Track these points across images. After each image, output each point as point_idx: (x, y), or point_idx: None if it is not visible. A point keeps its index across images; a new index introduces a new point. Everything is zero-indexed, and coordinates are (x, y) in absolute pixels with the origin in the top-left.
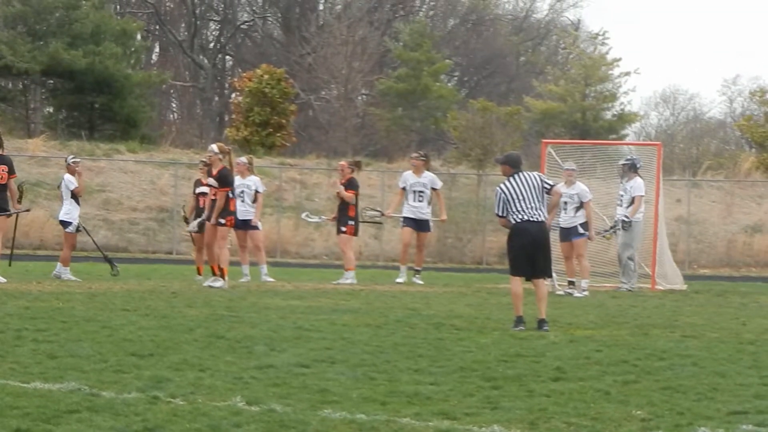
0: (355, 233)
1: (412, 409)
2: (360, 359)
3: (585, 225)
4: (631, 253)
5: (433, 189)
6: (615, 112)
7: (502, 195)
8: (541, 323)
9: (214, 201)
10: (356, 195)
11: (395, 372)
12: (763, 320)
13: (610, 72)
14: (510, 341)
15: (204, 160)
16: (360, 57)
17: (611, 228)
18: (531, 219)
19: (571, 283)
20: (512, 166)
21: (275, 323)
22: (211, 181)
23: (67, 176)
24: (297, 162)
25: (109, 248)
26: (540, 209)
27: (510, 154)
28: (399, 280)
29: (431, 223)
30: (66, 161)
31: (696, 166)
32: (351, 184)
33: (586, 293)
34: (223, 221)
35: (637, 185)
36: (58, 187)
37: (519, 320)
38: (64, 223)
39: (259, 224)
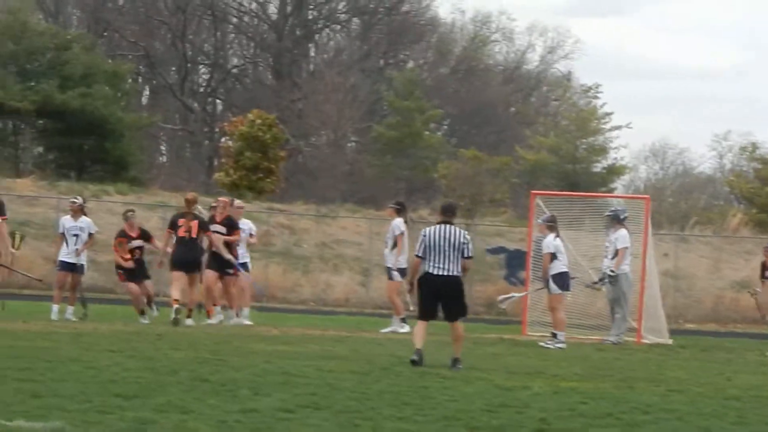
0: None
1: None
2: (344, 406)
3: (557, 278)
4: (624, 309)
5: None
6: (605, 165)
7: (424, 239)
8: (454, 362)
9: None
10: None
11: (379, 419)
12: (749, 376)
13: (602, 126)
14: (495, 391)
15: (214, 204)
16: (351, 104)
17: (599, 280)
18: (436, 273)
19: (555, 335)
20: (441, 213)
21: (260, 368)
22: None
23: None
24: (285, 207)
25: (96, 289)
26: (451, 263)
27: (446, 202)
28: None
29: (392, 272)
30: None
31: (684, 220)
32: (233, 224)
33: (560, 345)
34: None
35: (621, 237)
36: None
37: (417, 353)
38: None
39: (249, 265)
